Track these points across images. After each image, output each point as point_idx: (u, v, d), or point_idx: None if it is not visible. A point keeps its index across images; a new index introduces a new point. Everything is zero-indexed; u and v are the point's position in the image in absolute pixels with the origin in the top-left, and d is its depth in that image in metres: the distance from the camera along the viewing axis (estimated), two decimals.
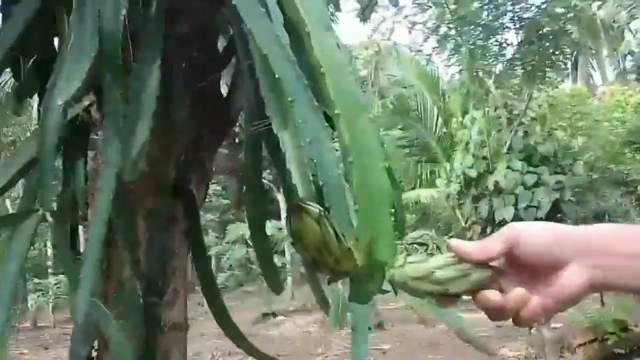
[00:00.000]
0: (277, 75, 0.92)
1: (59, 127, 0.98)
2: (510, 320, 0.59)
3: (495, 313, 0.59)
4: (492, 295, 0.58)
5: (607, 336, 4.77)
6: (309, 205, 0.58)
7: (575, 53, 15.98)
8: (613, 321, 4.79)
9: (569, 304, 0.60)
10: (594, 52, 17.32)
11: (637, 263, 0.59)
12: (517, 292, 0.58)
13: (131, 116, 0.93)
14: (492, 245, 0.59)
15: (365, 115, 0.72)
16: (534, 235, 0.59)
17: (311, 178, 0.92)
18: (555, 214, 4.91)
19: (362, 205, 0.62)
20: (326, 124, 0.89)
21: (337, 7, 1.67)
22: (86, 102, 1.25)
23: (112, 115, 0.89)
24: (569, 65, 17.63)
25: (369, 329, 0.97)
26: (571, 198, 4.71)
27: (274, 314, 10.47)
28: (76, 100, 1.08)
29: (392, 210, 0.68)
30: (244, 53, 1.17)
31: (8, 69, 1.34)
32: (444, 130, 9.29)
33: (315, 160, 0.83)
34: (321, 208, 0.58)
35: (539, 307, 0.59)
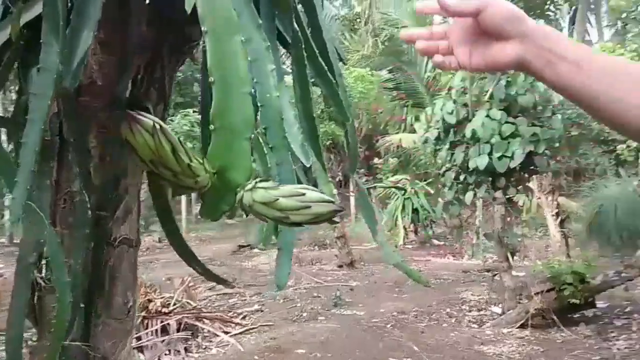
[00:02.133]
0: None
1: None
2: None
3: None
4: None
5: (565, 286, 4.95)
6: (144, 116, 0.58)
7: (573, 8, 15.73)
8: (572, 272, 4.96)
9: (492, 69, 0.81)
10: (592, 7, 17.04)
11: (564, 64, 0.75)
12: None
13: (74, 23, 0.91)
14: (469, 3, 0.76)
15: (236, 37, 0.70)
16: (502, 5, 0.77)
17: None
18: (529, 165, 4.97)
19: (218, 130, 0.63)
20: (269, 45, 0.88)
21: None
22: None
23: (51, 18, 0.87)
24: (567, 19, 17.38)
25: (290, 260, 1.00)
26: (546, 151, 4.75)
27: (251, 247, 10.65)
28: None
29: (251, 136, 0.69)
30: None
31: None
32: (432, 75, 9.22)
33: (255, 80, 0.83)
34: (158, 121, 0.58)
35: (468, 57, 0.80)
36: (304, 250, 10.09)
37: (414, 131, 8.84)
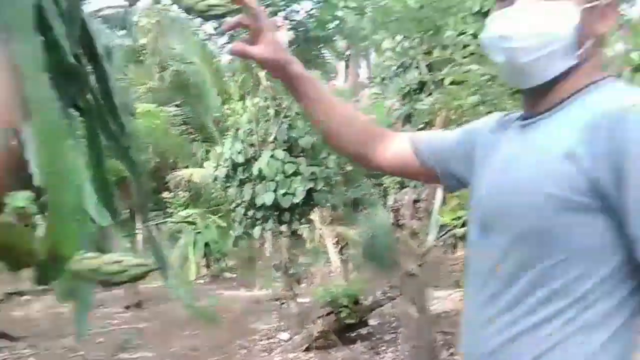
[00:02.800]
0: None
1: None
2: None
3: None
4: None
5: (341, 309, 5.49)
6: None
7: (348, 52, 17.62)
8: (347, 295, 5.53)
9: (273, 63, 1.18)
10: (364, 53, 19.27)
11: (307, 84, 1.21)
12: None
13: None
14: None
15: (65, 140, 0.80)
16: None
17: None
18: (309, 200, 5.45)
19: (52, 217, 0.73)
20: (69, 122, 0.95)
21: None
22: None
23: None
24: (343, 63, 19.33)
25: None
26: (324, 187, 5.27)
27: (21, 293, 9.53)
28: None
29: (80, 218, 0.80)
30: None
31: None
32: (222, 112, 9.50)
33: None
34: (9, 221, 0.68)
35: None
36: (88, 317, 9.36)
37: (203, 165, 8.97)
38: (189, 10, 1.01)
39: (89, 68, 1.29)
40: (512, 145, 1.00)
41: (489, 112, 2.86)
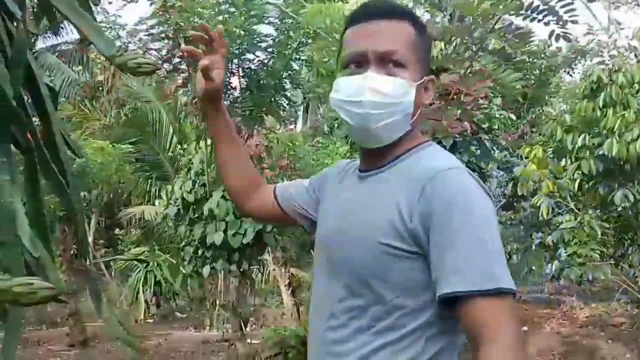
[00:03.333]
0: None
1: None
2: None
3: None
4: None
5: (289, 349, 5.52)
6: None
7: (307, 98, 18.01)
8: (295, 336, 5.57)
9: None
10: (322, 100, 19.72)
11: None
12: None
13: None
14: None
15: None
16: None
17: None
18: (259, 241, 5.52)
19: None
20: (4, 160, 1.05)
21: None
22: None
23: None
24: (301, 109, 19.71)
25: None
26: (274, 229, 5.36)
27: None
28: None
29: None
30: None
31: None
32: (177, 150, 9.53)
33: None
34: None
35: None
36: (29, 329, 9.03)
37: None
38: (120, 67, 1.14)
39: (32, 109, 1.39)
40: (351, 194, 1.20)
41: None
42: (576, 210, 6.61)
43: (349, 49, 1.16)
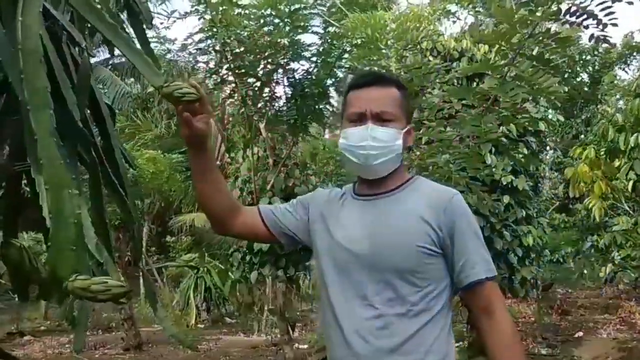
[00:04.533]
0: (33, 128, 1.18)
1: None
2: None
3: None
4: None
5: None
6: (15, 241, 0.91)
7: None
8: None
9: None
10: None
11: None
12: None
13: None
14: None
15: (67, 189, 1.03)
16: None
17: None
18: (305, 246, 5.62)
19: (53, 247, 0.95)
20: (69, 176, 1.17)
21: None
22: None
23: None
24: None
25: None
26: None
27: (22, 333, 9.62)
28: None
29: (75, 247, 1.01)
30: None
31: None
32: (225, 159, 9.78)
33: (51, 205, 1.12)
34: (23, 244, 0.91)
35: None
36: (86, 334, 9.44)
37: None
38: (167, 97, 1.26)
39: (95, 129, 1.53)
40: (368, 212, 1.53)
41: (459, 170, 3.12)
42: (631, 212, 6.42)
43: (352, 109, 1.54)
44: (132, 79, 12.52)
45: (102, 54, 12.40)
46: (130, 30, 1.84)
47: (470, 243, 1.47)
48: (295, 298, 7.10)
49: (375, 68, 3.51)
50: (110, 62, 12.69)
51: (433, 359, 1.44)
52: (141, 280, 10.54)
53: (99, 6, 1.36)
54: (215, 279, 10.54)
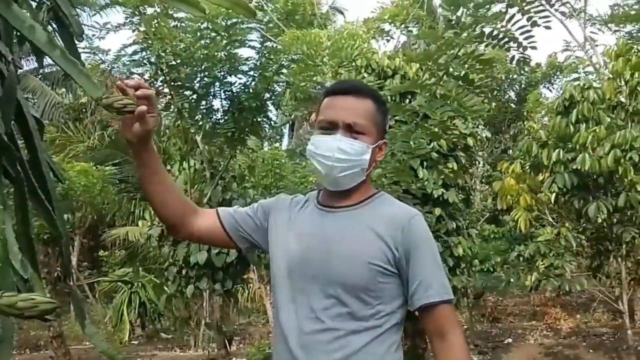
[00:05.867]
0: None
1: None
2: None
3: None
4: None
5: None
6: None
7: (292, 116, 18.19)
8: None
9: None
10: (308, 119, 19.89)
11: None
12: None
13: None
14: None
15: None
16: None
17: None
18: (242, 260, 5.60)
19: None
20: None
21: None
22: None
23: None
24: (287, 127, 19.87)
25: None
26: None
27: None
28: None
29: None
30: None
31: None
32: None
33: None
34: None
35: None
36: (12, 354, 8.94)
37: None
38: (107, 108, 1.26)
39: (21, 143, 1.50)
40: (327, 223, 1.49)
41: (391, 184, 3.23)
42: (554, 223, 6.79)
43: (324, 116, 1.50)
44: (63, 89, 12.09)
45: (32, 63, 11.94)
46: (60, 43, 1.81)
47: (427, 265, 1.43)
48: (233, 312, 7.04)
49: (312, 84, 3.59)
50: (41, 72, 12.21)
51: None
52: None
53: (29, 16, 1.34)
54: (150, 294, 10.25)
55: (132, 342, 10.17)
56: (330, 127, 1.48)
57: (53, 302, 0.94)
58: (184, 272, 5.54)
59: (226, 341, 6.01)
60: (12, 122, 1.50)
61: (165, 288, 7.16)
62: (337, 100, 1.50)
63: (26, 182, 1.43)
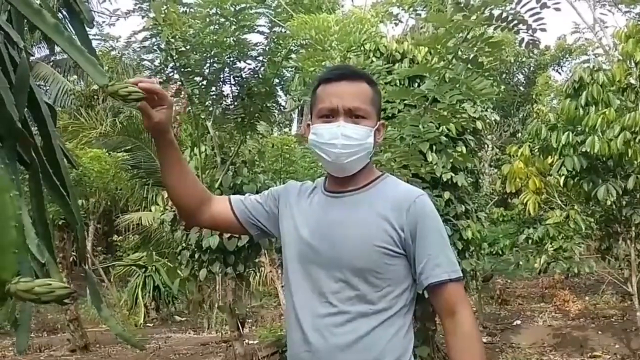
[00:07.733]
0: None
1: None
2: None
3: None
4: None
5: (285, 348, 5.64)
6: None
7: (302, 101, 18.15)
8: None
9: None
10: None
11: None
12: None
13: None
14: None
15: (7, 192, 1.05)
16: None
17: None
18: (254, 243, 5.65)
19: None
20: (12, 177, 1.19)
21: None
22: None
23: None
24: (296, 112, 19.84)
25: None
26: None
27: None
28: None
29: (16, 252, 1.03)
30: None
31: None
32: None
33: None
34: None
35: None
36: (30, 337, 9.14)
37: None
38: (113, 95, 1.29)
39: (34, 130, 1.54)
40: (333, 209, 1.51)
41: (400, 168, 3.24)
42: (563, 206, 6.77)
43: (322, 104, 1.50)
44: (75, 76, 12.15)
45: (43, 50, 12.01)
46: (71, 29, 1.84)
47: (434, 243, 1.43)
48: (245, 295, 7.13)
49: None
50: (52, 59, 12.28)
51: (388, 357, 1.43)
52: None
53: (38, 3, 1.37)
54: (164, 278, 10.40)
55: (147, 324, 10.36)
56: (330, 115, 1.47)
57: (68, 287, 0.97)
58: (196, 256, 5.60)
59: (239, 323, 6.08)
60: (26, 109, 1.54)
61: (179, 272, 7.26)
62: (332, 87, 1.49)
63: (41, 169, 1.47)
